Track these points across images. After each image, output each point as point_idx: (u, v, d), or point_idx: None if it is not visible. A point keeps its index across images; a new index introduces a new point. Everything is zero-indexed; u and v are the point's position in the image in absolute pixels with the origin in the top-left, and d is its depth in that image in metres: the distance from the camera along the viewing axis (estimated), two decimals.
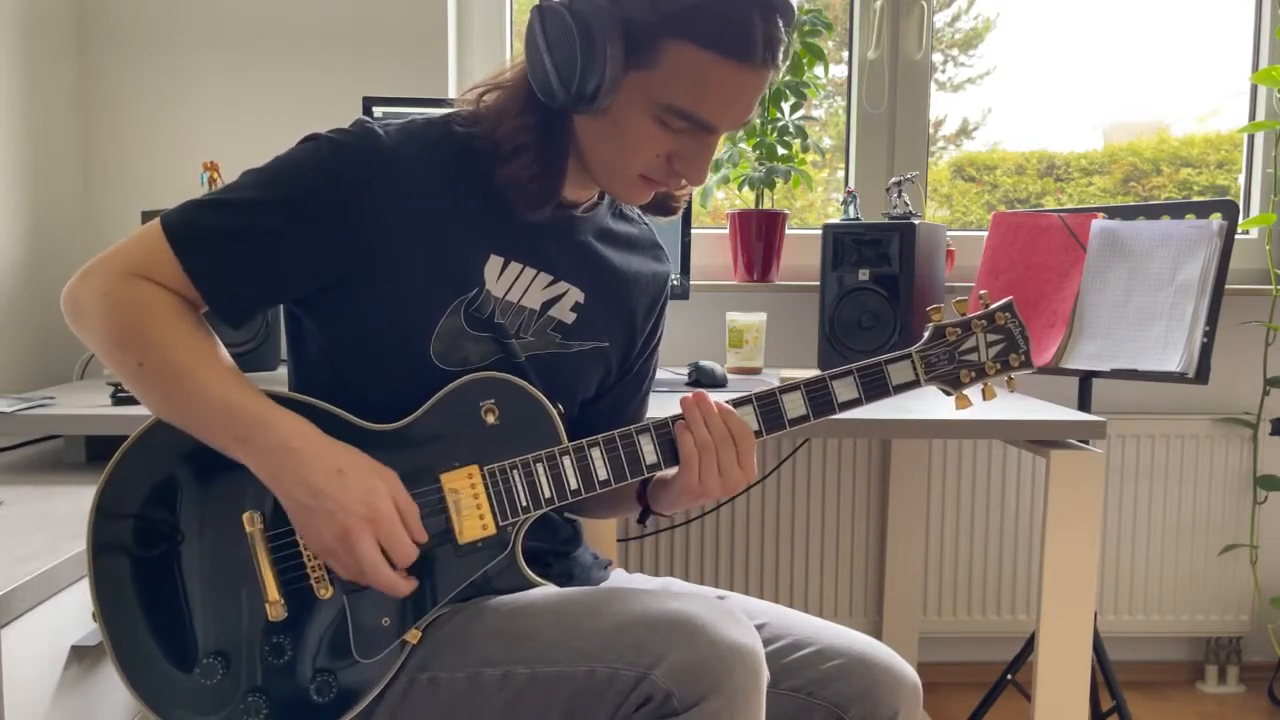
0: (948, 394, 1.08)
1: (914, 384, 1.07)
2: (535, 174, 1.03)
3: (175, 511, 1.00)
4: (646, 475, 1.05)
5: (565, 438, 1.04)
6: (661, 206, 1.15)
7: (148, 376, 0.97)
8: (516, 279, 1.07)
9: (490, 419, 1.03)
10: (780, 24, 0.96)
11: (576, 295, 1.12)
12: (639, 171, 1.03)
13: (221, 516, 1.00)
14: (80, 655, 1.11)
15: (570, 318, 1.12)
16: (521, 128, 1.02)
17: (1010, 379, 1.09)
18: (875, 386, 1.06)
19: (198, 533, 1.00)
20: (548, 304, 1.10)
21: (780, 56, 0.98)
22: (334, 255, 1.01)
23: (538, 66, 0.99)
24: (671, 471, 1.08)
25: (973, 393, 1.09)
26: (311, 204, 0.99)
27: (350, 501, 0.93)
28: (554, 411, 1.05)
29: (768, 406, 1.06)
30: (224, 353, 1.00)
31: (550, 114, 1.02)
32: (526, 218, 1.06)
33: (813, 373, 1.07)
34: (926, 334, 1.08)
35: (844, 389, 1.06)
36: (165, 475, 1.00)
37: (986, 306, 1.09)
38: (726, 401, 1.05)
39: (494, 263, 1.06)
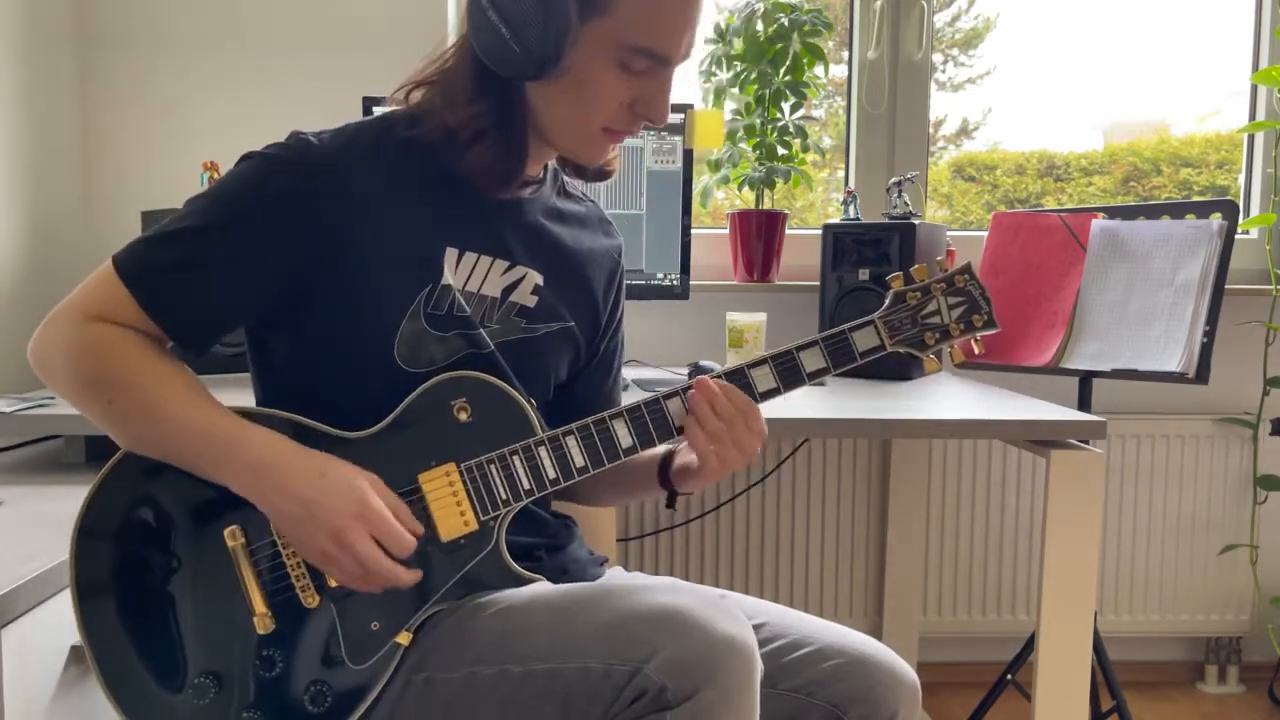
0: (915, 358, 1.10)
1: (879, 349, 1.08)
2: (500, 155, 1.03)
3: (157, 532, 0.99)
4: (624, 459, 1.05)
5: (540, 429, 1.04)
6: (598, 172, 1.16)
7: (118, 413, 0.97)
8: (474, 268, 1.07)
9: (463, 416, 1.03)
10: None
11: (535, 278, 1.12)
12: (603, 125, 1.03)
13: (203, 534, 0.99)
14: (80, 655, 1.11)
15: (532, 301, 1.12)
16: (477, 112, 1.02)
17: (976, 339, 1.10)
18: (841, 354, 1.07)
19: (180, 552, 0.99)
20: (508, 290, 1.10)
21: None
22: (286, 271, 1.00)
23: (491, 40, 0.98)
24: (690, 457, 1.10)
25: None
26: (255, 223, 0.99)
27: (339, 503, 0.93)
28: (525, 403, 1.05)
29: (737, 384, 1.06)
30: (193, 378, 1.00)
31: (504, 90, 1.02)
32: (494, 198, 1.07)
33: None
34: (887, 300, 1.09)
35: (811, 359, 1.07)
36: (146, 496, 1.00)
37: (944, 271, 1.10)
38: (696, 379, 1.06)
39: (450, 255, 1.05)
